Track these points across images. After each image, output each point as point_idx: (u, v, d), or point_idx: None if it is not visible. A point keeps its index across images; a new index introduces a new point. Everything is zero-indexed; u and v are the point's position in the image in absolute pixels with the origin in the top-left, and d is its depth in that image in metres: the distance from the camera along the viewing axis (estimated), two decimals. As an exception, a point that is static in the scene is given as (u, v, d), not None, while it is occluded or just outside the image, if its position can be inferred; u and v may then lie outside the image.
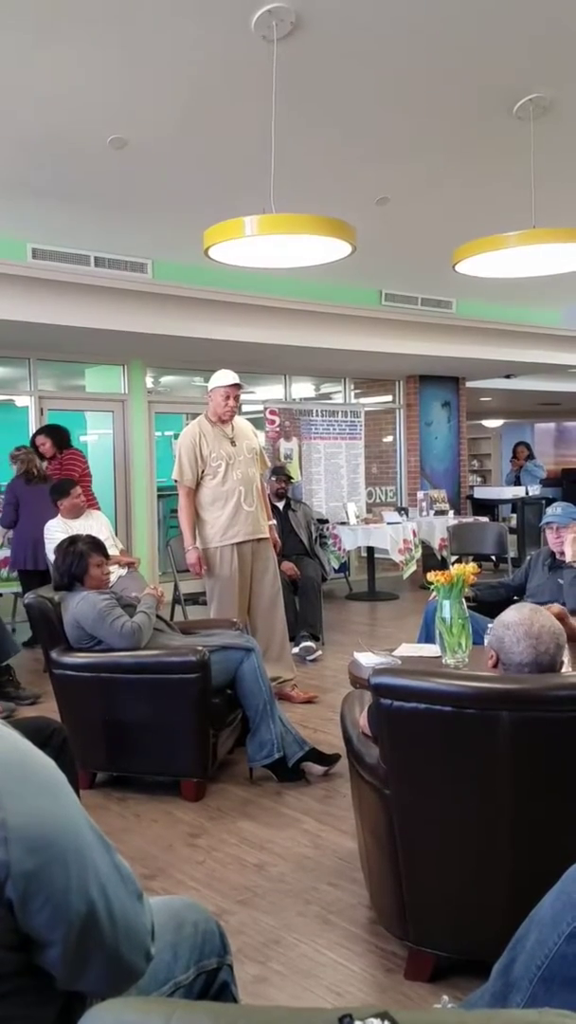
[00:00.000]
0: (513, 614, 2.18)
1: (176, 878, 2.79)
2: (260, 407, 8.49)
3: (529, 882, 2.00)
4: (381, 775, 2.17)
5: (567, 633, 2.35)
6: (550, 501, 9.24)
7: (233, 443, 4.61)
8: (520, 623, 2.14)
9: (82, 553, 3.63)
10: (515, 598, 4.35)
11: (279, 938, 2.43)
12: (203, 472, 4.57)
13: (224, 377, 4.58)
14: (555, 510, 4.31)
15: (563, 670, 2.19)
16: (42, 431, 6.37)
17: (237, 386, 4.56)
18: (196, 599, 5.92)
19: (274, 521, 5.06)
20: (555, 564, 4.26)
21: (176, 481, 4.63)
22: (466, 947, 2.17)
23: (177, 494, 4.70)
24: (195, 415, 10.49)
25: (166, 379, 9.56)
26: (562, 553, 4.20)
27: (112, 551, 5.05)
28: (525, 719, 1.99)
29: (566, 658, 2.21)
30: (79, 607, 3.51)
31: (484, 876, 2.09)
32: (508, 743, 1.99)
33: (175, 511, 10.09)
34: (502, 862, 2.07)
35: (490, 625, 2.29)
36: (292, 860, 2.90)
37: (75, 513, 5.44)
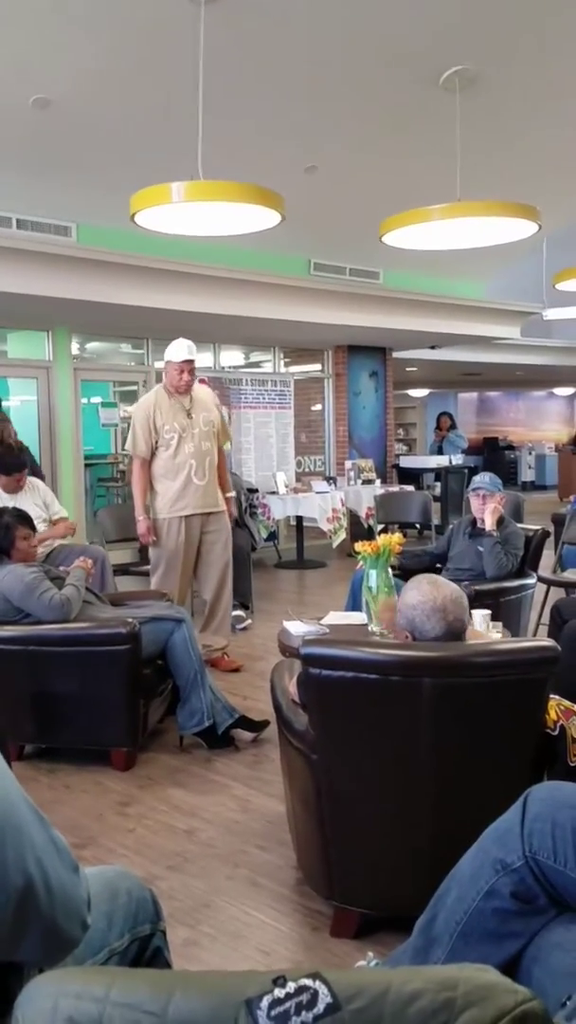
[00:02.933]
0: (415, 594, 2.23)
1: (107, 846, 2.81)
2: (189, 375, 8.39)
3: (450, 842, 2.08)
4: (309, 741, 2.22)
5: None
6: (472, 470, 9.46)
7: (189, 415, 4.58)
8: (425, 601, 2.20)
9: (8, 526, 3.56)
10: (438, 565, 4.47)
11: (209, 901, 2.48)
12: (157, 443, 4.54)
13: (177, 351, 4.53)
14: (483, 478, 4.42)
15: (470, 628, 2.27)
16: None
17: (190, 361, 4.51)
18: (126, 570, 5.87)
19: (233, 493, 5.06)
20: (475, 532, 4.37)
21: (129, 452, 4.61)
22: (389, 905, 2.24)
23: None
24: (124, 384, 10.25)
25: (92, 346, 9.35)
26: (483, 520, 4.32)
27: (41, 526, 4.94)
28: (446, 685, 2.06)
29: (471, 615, 2.28)
30: (6, 580, 3.45)
31: (407, 836, 2.17)
32: (430, 708, 2.06)
33: (103, 480, 9.98)
34: (424, 823, 2.14)
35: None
36: (221, 825, 2.95)
37: (13, 489, 5.25)
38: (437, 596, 2.21)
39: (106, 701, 3.43)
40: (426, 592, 2.22)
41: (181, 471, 4.54)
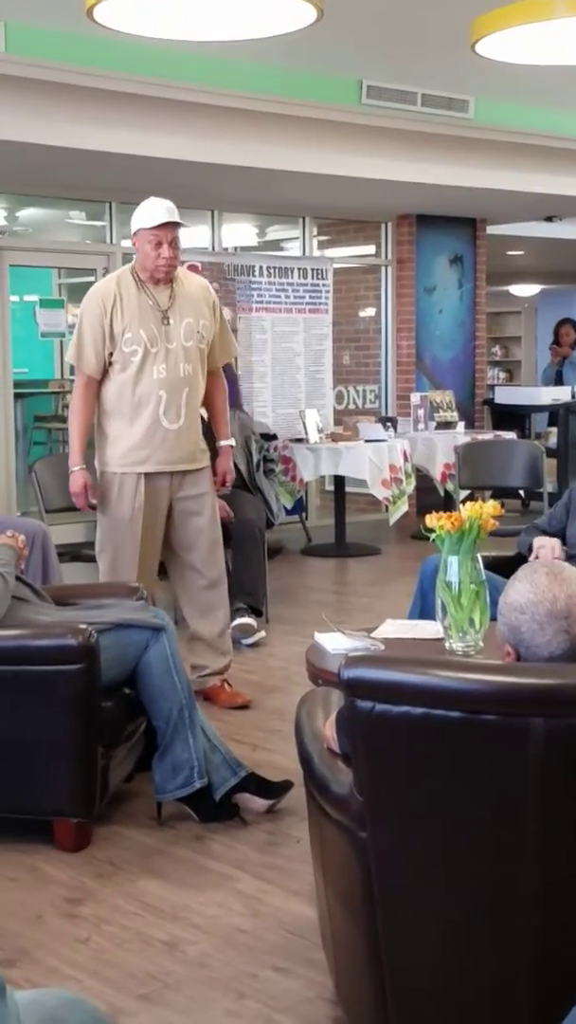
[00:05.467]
0: (525, 590, 2.24)
1: (47, 964, 2.84)
2: (174, 260, 8.37)
3: (567, 965, 2.09)
4: (355, 812, 2.23)
5: None
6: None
7: (166, 319, 4.54)
8: (539, 602, 2.21)
9: None
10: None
11: (201, 1048, 2.51)
12: (111, 358, 4.53)
13: (150, 212, 4.44)
14: None
15: None
16: None
17: (172, 226, 4.45)
18: (77, 553, 5.91)
19: (231, 441, 5.07)
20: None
21: (72, 365, 4.61)
22: (474, 1056, 2.26)
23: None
24: (75, 272, 10.21)
25: (26, 213, 9.35)
26: None
27: None
28: (568, 729, 2.05)
29: None
30: None
31: (503, 957, 2.17)
32: (542, 763, 2.05)
33: (43, 419, 9.99)
34: (528, 936, 2.15)
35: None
36: (220, 935, 2.97)
37: None
38: (559, 595, 2.21)
39: (46, 749, 3.45)
40: (542, 588, 2.22)
41: (143, 407, 4.51)
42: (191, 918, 3.06)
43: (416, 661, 2.31)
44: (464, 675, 2.16)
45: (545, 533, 4.52)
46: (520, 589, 2.25)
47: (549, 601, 2.20)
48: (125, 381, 4.52)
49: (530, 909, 2.14)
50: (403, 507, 8.11)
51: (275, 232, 10.46)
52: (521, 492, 8.95)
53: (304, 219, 9.72)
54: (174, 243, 4.47)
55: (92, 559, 4.98)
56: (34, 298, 9.15)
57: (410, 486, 8.28)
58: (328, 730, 2.45)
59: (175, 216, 4.45)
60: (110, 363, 4.53)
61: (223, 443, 4.93)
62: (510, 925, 2.16)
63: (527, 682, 2.12)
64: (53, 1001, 1.53)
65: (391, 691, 2.14)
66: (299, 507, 8.81)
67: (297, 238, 9.86)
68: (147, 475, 4.56)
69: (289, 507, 8.27)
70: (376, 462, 8.00)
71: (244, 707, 4.78)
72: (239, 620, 5.84)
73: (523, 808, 2.09)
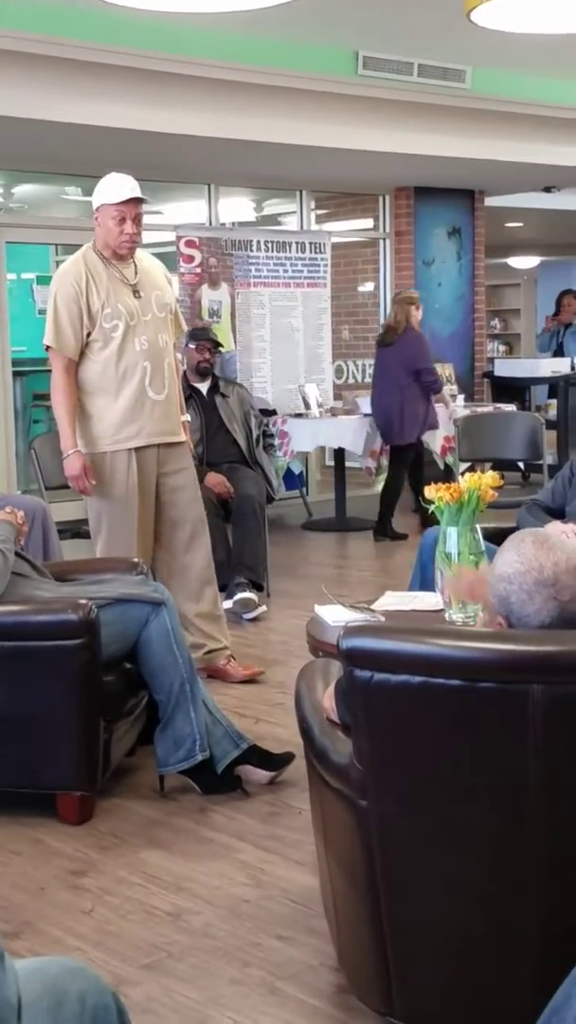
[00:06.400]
0: (512, 560, 2.23)
1: (51, 935, 2.85)
2: (171, 235, 8.34)
3: (567, 931, 2.10)
4: (355, 780, 2.24)
5: None
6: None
7: (137, 293, 4.52)
8: (526, 571, 2.20)
9: None
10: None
11: (205, 1017, 2.51)
12: (89, 336, 4.50)
13: (114, 188, 4.43)
14: None
15: None
16: None
17: (136, 201, 4.43)
18: (77, 530, 5.91)
19: (187, 417, 5.04)
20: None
21: (49, 349, 4.54)
22: None
23: (47, 370, 4.64)
24: (70, 247, 10.20)
25: (23, 190, 9.32)
26: None
27: None
28: (567, 695, 2.06)
29: None
30: None
31: (504, 923, 2.19)
32: (541, 730, 2.06)
33: (41, 396, 9.99)
34: (529, 903, 2.16)
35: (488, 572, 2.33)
36: (223, 905, 2.98)
37: None
38: (545, 563, 2.20)
39: (50, 722, 3.47)
40: (528, 557, 2.21)
41: (129, 380, 4.48)
42: (194, 889, 3.08)
43: (414, 630, 2.31)
44: (463, 643, 2.16)
45: (549, 510, 4.52)
46: (507, 559, 2.24)
47: (536, 570, 2.19)
48: (108, 357, 4.48)
49: (533, 874, 2.15)
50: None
51: (272, 206, 10.43)
52: (521, 464, 8.94)
53: (301, 193, 9.69)
54: (138, 219, 4.45)
55: (88, 535, 4.99)
56: (31, 275, 9.13)
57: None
58: (327, 700, 2.45)
59: (138, 192, 4.43)
60: (87, 343, 4.49)
61: (184, 419, 4.91)
62: (513, 891, 2.17)
63: (526, 649, 2.12)
64: (55, 970, 1.54)
65: (389, 660, 2.14)
66: (299, 481, 8.81)
67: (294, 212, 9.83)
68: (136, 450, 4.55)
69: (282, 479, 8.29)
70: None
71: (252, 680, 4.81)
72: (240, 595, 5.85)
73: (523, 775, 2.10)
